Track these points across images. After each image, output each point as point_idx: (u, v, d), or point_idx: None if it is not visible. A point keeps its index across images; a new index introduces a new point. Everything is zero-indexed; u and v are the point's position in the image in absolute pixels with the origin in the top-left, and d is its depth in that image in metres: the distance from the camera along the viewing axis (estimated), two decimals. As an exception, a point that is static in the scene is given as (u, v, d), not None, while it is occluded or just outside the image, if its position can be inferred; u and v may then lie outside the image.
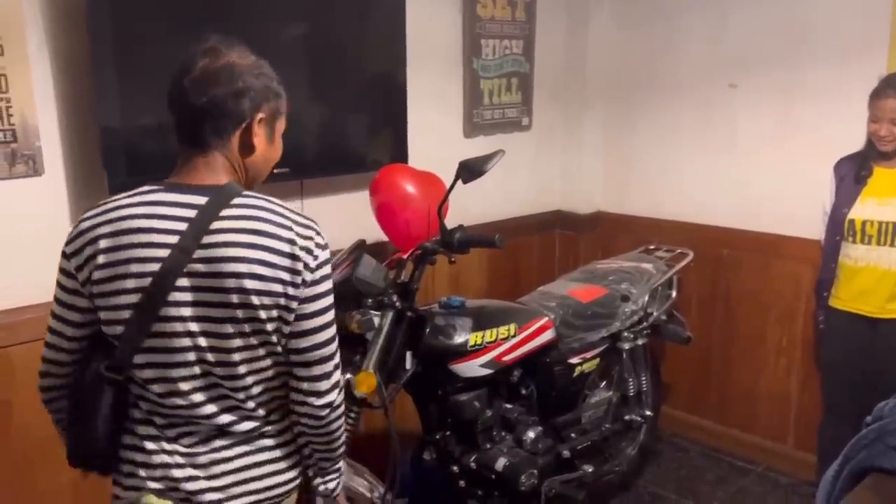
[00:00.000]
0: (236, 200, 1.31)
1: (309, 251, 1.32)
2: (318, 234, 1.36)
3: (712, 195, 3.34)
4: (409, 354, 2.17)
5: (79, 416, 1.36)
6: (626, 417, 2.83)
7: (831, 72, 2.92)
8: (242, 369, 1.33)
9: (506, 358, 2.32)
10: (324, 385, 1.39)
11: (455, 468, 2.35)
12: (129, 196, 1.33)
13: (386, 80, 2.81)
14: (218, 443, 1.37)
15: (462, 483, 2.36)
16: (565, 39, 3.59)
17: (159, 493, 1.37)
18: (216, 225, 1.28)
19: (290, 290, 1.31)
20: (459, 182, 2.06)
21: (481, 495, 2.38)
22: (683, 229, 3.39)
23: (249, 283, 1.27)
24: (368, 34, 2.75)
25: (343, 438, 1.50)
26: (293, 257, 1.30)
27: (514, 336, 2.34)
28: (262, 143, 1.38)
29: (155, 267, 1.27)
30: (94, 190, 2.16)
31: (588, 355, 2.60)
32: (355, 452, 2.12)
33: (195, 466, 1.36)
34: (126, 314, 1.29)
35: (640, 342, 2.81)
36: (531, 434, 2.43)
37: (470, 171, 2.03)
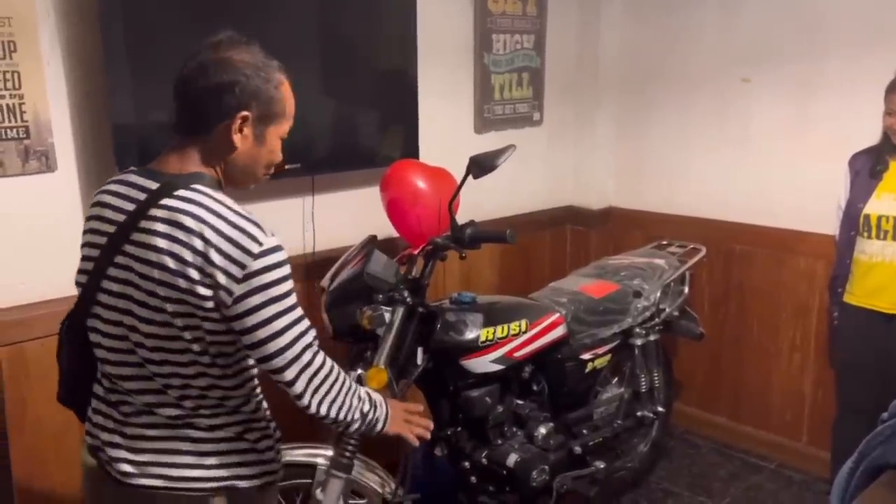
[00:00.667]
0: (179, 192, 1.31)
1: (232, 259, 1.27)
2: (253, 240, 1.28)
3: (725, 190, 3.31)
4: (420, 350, 2.17)
5: (58, 365, 1.52)
6: (638, 414, 2.81)
7: (846, 65, 2.89)
8: (157, 357, 1.35)
9: (517, 354, 2.31)
10: (296, 389, 1.38)
11: (466, 464, 2.35)
12: (118, 174, 1.43)
13: (397, 75, 2.81)
14: (145, 419, 1.40)
15: (473, 479, 2.36)
16: (577, 34, 3.57)
17: (90, 450, 1.46)
18: (153, 212, 1.30)
19: (201, 290, 1.27)
20: (470, 177, 2.05)
21: (493, 491, 2.38)
22: (696, 225, 3.37)
23: (157, 274, 1.29)
24: (379, 29, 2.74)
25: (347, 406, 1.46)
26: (205, 258, 1.27)
27: (525, 332, 2.33)
28: (245, 143, 1.36)
29: (103, 241, 1.35)
30: (106, 186, 2.17)
31: (600, 351, 2.59)
32: (367, 448, 2.12)
33: (122, 435, 1.41)
34: (84, 279, 1.40)
35: (652, 338, 2.80)
36: (542, 430, 2.42)
37: (480, 166, 2.02)
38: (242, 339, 1.33)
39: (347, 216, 2.79)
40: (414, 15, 2.78)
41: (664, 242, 3.23)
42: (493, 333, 2.26)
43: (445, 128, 3.10)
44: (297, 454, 2.07)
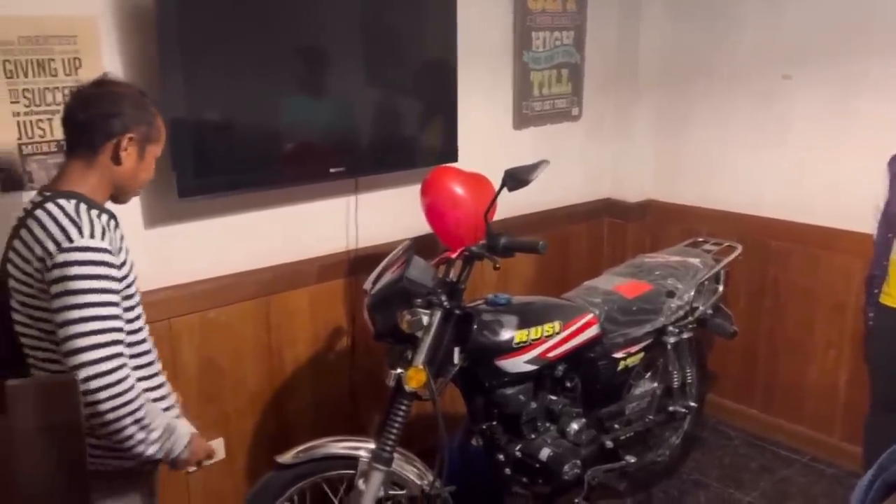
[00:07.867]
0: (46, 203, 1.57)
1: (46, 249, 1.53)
2: (65, 236, 1.52)
3: (764, 186, 3.32)
4: (456, 350, 2.25)
5: None
6: (670, 408, 2.86)
7: (890, 65, 2.86)
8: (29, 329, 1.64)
9: (550, 354, 2.39)
10: (70, 362, 1.52)
11: (501, 456, 2.43)
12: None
13: (437, 73, 2.87)
14: None
15: (507, 470, 2.44)
16: (617, 29, 3.58)
17: None
18: (26, 219, 1.60)
19: (39, 276, 1.54)
20: (505, 190, 2.12)
21: (526, 483, 2.47)
22: (733, 219, 3.39)
23: (21, 263, 1.58)
24: (420, 28, 2.80)
25: (114, 425, 1.55)
26: (35, 248, 1.54)
27: (558, 333, 2.40)
28: (130, 159, 1.64)
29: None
30: (163, 191, 2.30)
31: (632, 350, 2.64)
32: (406, 442, 2.24)
33: None
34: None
35: (685, 336, 2.83)
36: (575, 425, 2.49)
37: (515, 179, 2.10)
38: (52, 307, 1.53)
39: (389, 214, 2.90)
40: (454, 14, 2.83)
41: (700, 240, 3.24)
42: (528, 335, 2.33)
43: (484, 124, 3.16)
44: (340, 447, 2.19)
